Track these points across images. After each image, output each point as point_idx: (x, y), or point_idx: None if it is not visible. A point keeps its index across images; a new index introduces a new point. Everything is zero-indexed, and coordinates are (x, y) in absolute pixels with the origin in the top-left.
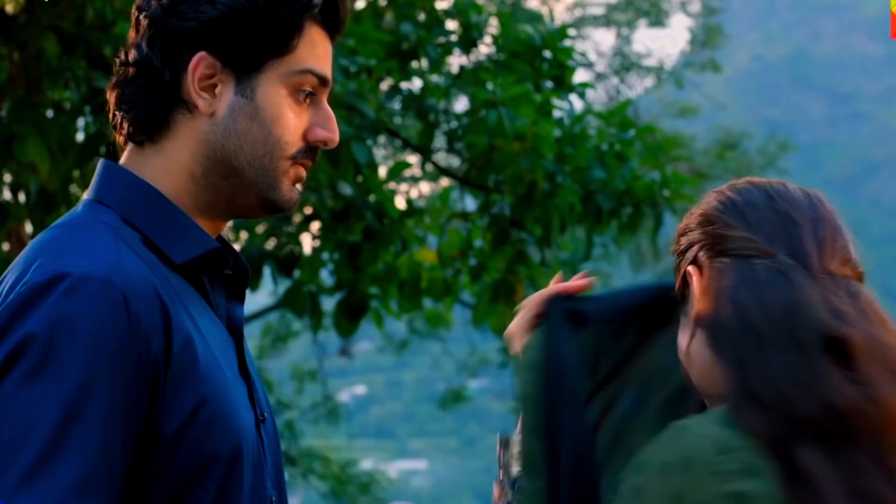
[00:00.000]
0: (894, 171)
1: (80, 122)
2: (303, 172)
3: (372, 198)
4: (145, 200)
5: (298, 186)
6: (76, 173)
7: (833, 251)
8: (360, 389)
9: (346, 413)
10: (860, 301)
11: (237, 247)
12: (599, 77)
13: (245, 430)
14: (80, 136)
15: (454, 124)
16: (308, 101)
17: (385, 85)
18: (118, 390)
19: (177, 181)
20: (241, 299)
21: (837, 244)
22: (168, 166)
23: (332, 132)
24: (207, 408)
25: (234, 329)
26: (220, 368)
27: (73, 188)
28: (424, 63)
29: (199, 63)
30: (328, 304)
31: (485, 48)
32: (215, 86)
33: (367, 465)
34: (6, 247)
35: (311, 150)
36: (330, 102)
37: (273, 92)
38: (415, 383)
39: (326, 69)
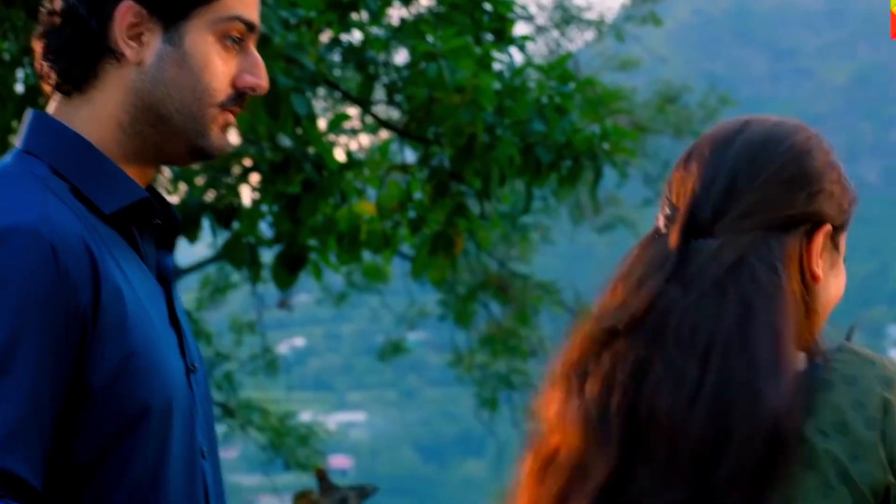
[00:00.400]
0: (836, 126)
1: (20, 73)
2: (231, 119)
3: (311, 150)
4: (74, 150)
5: (228, 133)
6: (15, 124)
7: (724, 206)
8: (299, 342)
9: (285, 365)
10: (712, 269)
11: (176, 198)
12: (540, 30)
13: (175, 382)
14: (19, 88)
15: (394, 77)
16: (236, 47)
17: (325, 37)
18: (47, 342)
19: (105, 131)
20: (172, 249)
21: (743, 197)
22: (96, 116)
23: (260, 78)
24: (136, 360)
25: (164, 279)
26: (150, 319)
27: (13, 139)
28: (364, 15)
29: (126, 12)
30: (267, 256)
31: (425, 0)
32: (142, 34)
33: (305, 417)
34: None
35: (239, 96)
36: (269, 54)
37: (201, 39)
38: (353, 336)
39: (254, 15)
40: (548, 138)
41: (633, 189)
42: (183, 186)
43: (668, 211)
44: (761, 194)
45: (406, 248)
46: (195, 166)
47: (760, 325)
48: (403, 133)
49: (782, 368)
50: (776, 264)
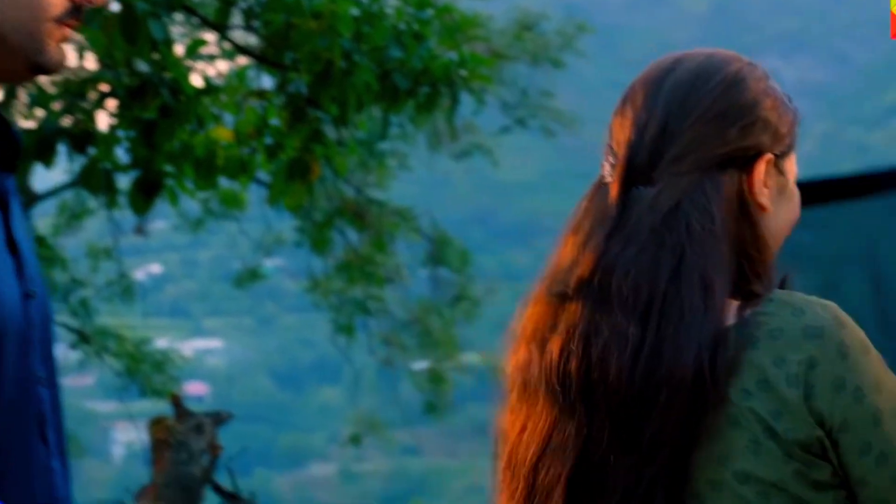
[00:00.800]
0: None
1: None
2: (69, 33)
3: (168, 76)
4: None
5: (65, 47)
6: None
7: (659, 151)
8: (156, 268)
9: (141, 291)
10: (649, 219)
11: (32, 124)
12: None
13: (9, 307)
14: None
15: (251, 2)
16: None
17: None
18: None
19: None
20: (12, 171)
21: (676, 139)
22: None
23: None
24: None
25: (3, 202)
26: None
27: None
28: None
29: None
30: (123, 181)
31: None
32: None
33: (161, 343)
34: None
35: (76, 9)
36: None
37: None
38: (210, 262)
39: None
40: (405, 65)
41: (490, 116)
42: (39, 112)
43: (611, 159)
44: (693, 134)
45: (263, 174)
46: (51, 92)
47: (691, 276)
48: (261, 59)
49: (709, 320)
50: (710, 207)
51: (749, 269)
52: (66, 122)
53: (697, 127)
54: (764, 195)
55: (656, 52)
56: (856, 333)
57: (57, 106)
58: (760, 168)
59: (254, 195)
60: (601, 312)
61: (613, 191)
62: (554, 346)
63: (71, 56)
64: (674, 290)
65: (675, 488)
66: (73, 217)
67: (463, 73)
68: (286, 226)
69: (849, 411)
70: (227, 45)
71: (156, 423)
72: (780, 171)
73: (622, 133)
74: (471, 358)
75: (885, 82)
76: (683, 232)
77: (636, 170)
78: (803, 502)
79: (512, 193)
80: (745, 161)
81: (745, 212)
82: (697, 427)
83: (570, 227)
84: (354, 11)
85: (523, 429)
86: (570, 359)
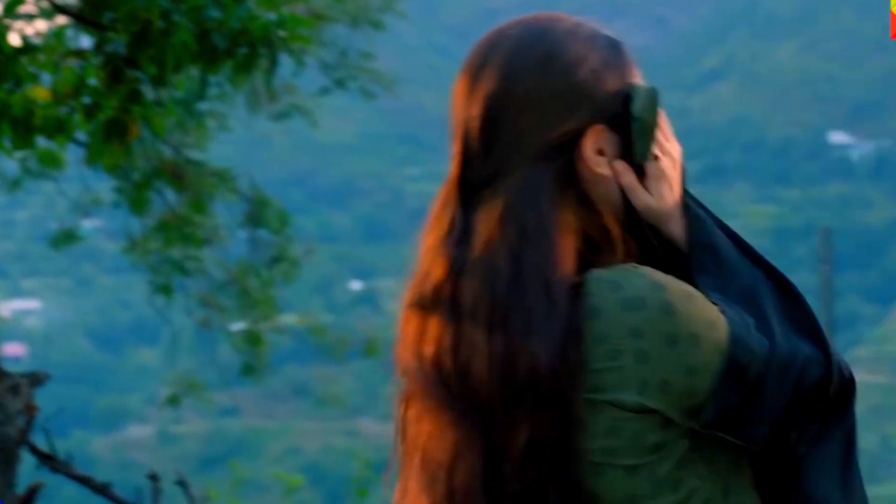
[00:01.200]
0: (509, 17)
1: None
2: None
3: None
4: None
5: None
6: None
7: (487, 148)
8: None
9: None
10: (485, 223)
11: None
12: None
13: None
14: None
15: None
16: None
17: None
18: None
19: None
20: None
21: (501, 136)
22: None
23: None
24: None
25: None
26: None
27: None
28: None
29: None
30: None
31: None
32: None
33: None
34: None
35: None
36: None
37: None
38: (28, 222)
39: None
40: (224, 25)
41: (309, 77)
42: None
43: (453, 149)
44: (515, 128)
45: (81, 134)
46: None
47: (532, 279)
48: (79, 18)
49: (556, 320)
50: (541, 202)
51: (594, 253)
52: None
53: (518, 121)
54: (600, 164)
55: (475, 16)
56: (676, 288)
57: None
58: (589, 142)
59: (72, 155)
60: (456, 323)
61: (452, 191)
62: (428, 356)
63: None
64: (517, 297)
65: (564, 486)
66: None
67: (282, 33)
68: (104, 186)
69: (690, 356)
70: (45, 5)
71: None
72: (618, 129)
73: (455, 124)
74: (289, 319)
75: (703, 48)
76: (516, 234)
77: (470, 166)
78: (640, 469)
79: (331, 155)
80: (571, 142)
81: (583, 191)
82: (568, 425)
83: (426, 227)
84: None
85: (432, 435)
86: (443, 369)
